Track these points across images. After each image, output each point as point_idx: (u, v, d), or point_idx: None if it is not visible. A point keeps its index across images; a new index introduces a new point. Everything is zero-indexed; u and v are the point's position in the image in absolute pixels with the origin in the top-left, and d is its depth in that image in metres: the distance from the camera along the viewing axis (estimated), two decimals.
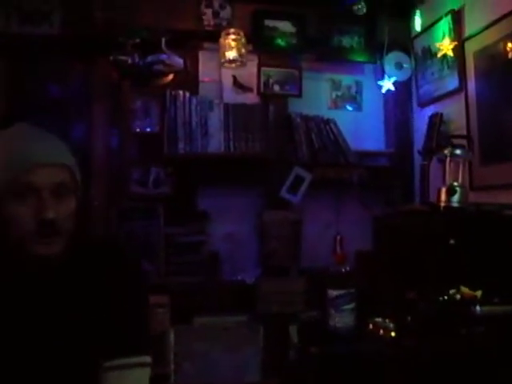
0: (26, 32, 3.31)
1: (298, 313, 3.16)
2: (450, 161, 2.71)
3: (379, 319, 2.57)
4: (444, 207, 2.65)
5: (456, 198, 2.63)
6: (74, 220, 1.32)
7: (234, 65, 3.47)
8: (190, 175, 3.45)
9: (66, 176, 1.30)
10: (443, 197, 2.65)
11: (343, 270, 2.76)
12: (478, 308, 2.19)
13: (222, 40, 3.42)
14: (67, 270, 1.33)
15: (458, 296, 2.28)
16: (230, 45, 3.39)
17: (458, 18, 3.23)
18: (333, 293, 2.70)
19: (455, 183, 2.67)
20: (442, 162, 2.81)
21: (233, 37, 3.38)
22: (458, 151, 2.70)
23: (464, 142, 2.91)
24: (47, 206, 1.24)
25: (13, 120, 1.40)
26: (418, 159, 3.59)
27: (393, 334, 2.46)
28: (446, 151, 2.71)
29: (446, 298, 2.28)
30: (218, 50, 3.47)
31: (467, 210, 2.62)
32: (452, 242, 2.44)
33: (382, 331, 2.51)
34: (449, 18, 3.25)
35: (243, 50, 3.41)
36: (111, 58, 3.29)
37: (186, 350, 3.20)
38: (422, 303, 2.34)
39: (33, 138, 1.30)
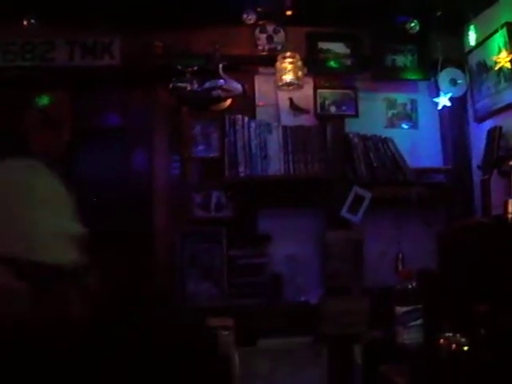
0: (88, 64, 3.44)
1: (362, 333, 3.14)
2: None
3: (450, 334, 2.52)
4: None
5: None
6: None
7: (291, 87, 3.51)
8: (250, 198, 3.50)
9: None
10: (511, 208, 2.62)
11: (409, 286, 2.73)
12: None
13: (278, 64, 3.47)
14: None
15: None
16: (286, 68, 3.43)
17: None
18: (400, 309, 2.66)
19: None
20: (506, 174, 2.79)
21: (289, 60, 3.43)
22: None
23: None
24: None
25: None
26: (476, 174, 3.54)
27: (465, 348, 2.41)
28: (511, 162, 2.68)
29: None
30: (274, 74, 3.52)
31: None
32: None
33: (454, 346, 2.46)
34: (504, 30, 3.21)
35: (300, 73, 3.44)
36: (170, 85, 3.37)
37: (251, 372, 3.21)
38: (498, 315, 2.30)
39: None
